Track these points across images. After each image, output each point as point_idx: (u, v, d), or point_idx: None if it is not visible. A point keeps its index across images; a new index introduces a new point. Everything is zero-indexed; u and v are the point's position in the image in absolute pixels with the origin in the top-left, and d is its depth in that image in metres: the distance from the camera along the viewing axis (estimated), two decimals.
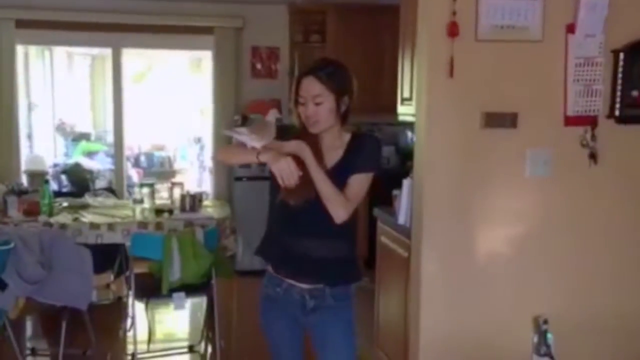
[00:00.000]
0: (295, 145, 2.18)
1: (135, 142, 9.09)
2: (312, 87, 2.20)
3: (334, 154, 2.26)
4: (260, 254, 2.42)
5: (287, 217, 2.28)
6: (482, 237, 2.84)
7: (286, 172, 2.09)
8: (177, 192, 4.60)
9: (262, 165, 2.19)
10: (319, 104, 2.19)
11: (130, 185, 6.70)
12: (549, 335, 2.67)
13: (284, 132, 2.27)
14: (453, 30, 2.65)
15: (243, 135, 2.18)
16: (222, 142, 5.71)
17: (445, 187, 2.80)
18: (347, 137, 2.29)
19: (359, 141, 2.29)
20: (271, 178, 2.23)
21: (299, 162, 2.15)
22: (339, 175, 2.21)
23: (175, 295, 3.64)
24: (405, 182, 3.09)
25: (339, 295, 2.30)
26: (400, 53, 3.41)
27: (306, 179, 2.15)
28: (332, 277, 2.28)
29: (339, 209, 2.19)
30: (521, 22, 2.73)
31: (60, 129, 8.40)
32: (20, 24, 5.93)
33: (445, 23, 2.66)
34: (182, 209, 4.38)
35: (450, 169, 2.79)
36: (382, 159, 2.36)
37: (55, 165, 7.33)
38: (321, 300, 2.28)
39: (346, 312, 2.33)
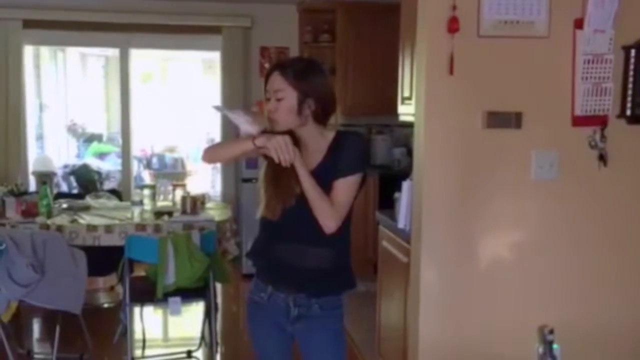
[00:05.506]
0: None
1: (148, 143, 9.05)
2: (276, 81, 2.09)
3: (315, 155, 2.13)
4: (250, 257, 2.33)
5: (271, 221, 2.15)
6: (484, 243, 2.70)
7: (283, 148, 1.98)
8: (178, 194, 4.53)
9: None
10: (279, 100, 2.08)
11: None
12: (555, 347, 2.52)
13: None
14: (453, 26, 2.53)
15: (237, 116, 2.11)
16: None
17: (446, 190, 2.67)
18: (330, 136, 2.16)
19: (342, 141, 2.14)
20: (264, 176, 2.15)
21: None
22: (322, 179, 2.08)
23: (170, 300, 3.54)
24: (405, 185, 2.97)
25: (326, 305, 2.18)
26: (401, 50, 3.29)
27: (287, 184, 2.05)
28: (316, 287, 2.16)
29: (329, 220, 2.07)
30: (526, 16, 2.60)
31: (72, 129, 8.40)
32: (28, 24, 5.91)
33: (445, 18, 2.53)
34: (183, 211, 4.30)
35: (450, 171, 2.66)
36: (368, 158, 2.24)
37: (65, 166, 7.32)
38: (306, 308, 2.17)
39: (334, 322, 2.21)
